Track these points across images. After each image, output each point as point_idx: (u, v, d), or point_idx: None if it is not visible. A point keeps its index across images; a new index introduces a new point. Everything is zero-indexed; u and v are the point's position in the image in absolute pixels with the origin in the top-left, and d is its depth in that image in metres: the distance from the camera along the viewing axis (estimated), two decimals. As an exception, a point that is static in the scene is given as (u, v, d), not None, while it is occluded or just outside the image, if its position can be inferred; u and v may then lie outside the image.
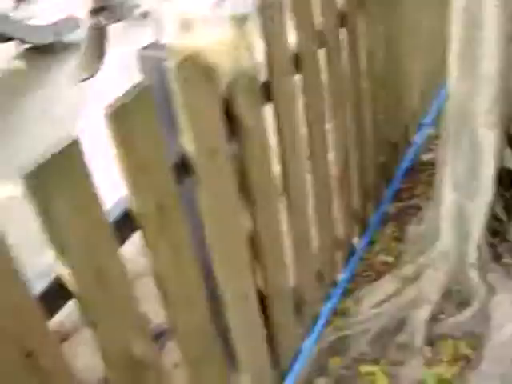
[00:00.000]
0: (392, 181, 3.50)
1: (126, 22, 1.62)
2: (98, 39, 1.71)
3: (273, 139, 2.01)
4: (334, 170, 2.60)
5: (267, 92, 1.94)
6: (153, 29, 1.61)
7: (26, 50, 7.27)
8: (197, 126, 1.55)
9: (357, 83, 2.73)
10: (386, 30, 3.03)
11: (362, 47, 2.73)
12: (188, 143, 1.55)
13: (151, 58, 1.54)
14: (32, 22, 7.11)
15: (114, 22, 1.59)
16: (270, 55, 1.91)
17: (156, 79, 1.55)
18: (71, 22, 6.79)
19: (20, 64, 7.00)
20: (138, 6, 1.55)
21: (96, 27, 1.68)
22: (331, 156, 2.57)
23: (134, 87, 1.33)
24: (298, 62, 2.13)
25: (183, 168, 1.57)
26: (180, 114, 1.51)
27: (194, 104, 1.53)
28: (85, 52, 1.76)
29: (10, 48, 7.27)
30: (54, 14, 7.21)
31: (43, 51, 7.01)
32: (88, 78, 1.82)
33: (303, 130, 2.24)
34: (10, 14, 7.30)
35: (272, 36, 1.89)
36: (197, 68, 1.49)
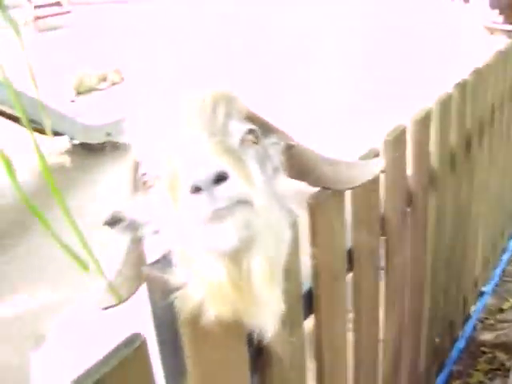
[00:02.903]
0: (444, 365, 3.03)
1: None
2: (138, 255, 1.33)
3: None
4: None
5: (309, 303, 1.56)
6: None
7: (75, 146, 7.17)
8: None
9: (419, 265, 2.34)
10: (455, 201, 2.68)
11: (429, 225, 2.37)
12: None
13: (159, 279, 1.17)
14: (84, 120, 7.05)
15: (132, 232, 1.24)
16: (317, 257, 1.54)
17: (162, 308, 1.19)
18: (123, 124, 6.68)
19: (65, 160, 6.88)
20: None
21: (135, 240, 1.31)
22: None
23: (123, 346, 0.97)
24: (351, 258, 1.76)
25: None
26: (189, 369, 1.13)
27: (208, 359, 1.15)
28: (120, 271, 1.35)
29: (61, 142, 7.18)
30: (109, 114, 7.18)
31: (92, 149, 6.92)
32: (116, 305, 1.36)
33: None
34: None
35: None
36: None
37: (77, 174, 6.26)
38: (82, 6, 17.23)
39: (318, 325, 1.62)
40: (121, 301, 1.36)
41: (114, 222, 1.25)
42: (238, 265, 1.04)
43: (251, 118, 1.23)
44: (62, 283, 4.38)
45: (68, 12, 16.16)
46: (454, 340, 3.23)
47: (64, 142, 7.19)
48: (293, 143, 1.31)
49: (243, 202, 1.00)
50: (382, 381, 2.19)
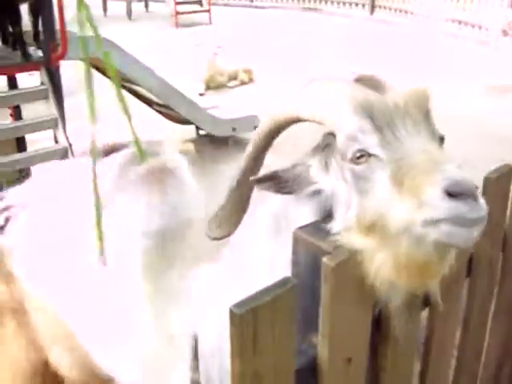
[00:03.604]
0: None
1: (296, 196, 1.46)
2: (245, 194, 1.57)
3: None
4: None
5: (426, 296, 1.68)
6: (316, 209, 1.43)
7: (201, 136, 7.53)
8: (338, 332, 1.33)
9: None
10: None
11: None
12: (322, 347, 1.33)
13: (306, 241, 1.36)
14: (213, 112, 7.38)
15: (282, 193, 1.43)
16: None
17: (306, 265, 1.37)
18: (250, 121, 6.95)
19: (190, 148, 7.25)
20: (314, 182, 1.37)
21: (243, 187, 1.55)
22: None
23: (278, 284, 1.15)
24: (471, 265, 1.86)
25: (309, 373, 1.34)
26: (322, 315, 1.30)
27: (341, 310, 1.31)
28: (224, 205, 1.61)
29: (188, 131, 7.58)
30: (235, 110, 7.49)
31: (216, 142, 7.24)
32: (222, 237, 1.66)
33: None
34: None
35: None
36: (352, 275, 1.29)
37: (202, 162, 6.57)
38: (221, 7, 17.88)
39: (431, 318, 1.74)
40: (228, 233, 1.63)
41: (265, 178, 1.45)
42: (445, 253, 1.29)
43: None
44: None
45: (207, 11, 16.83)
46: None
47: (191, 131, 7.56)
48: None
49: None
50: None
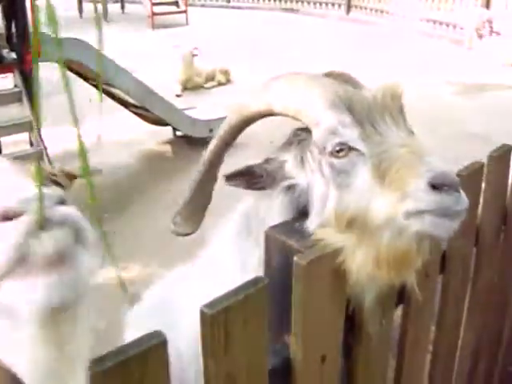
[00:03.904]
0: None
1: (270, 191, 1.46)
2: (208, 189, 1.57)
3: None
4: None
5: (400, 294, 1.69)
6: (289, 206, 1.43)
7: (178, 137, 7.51)
8: (311, 331, 1.33)
9: (506, 284, 2.41)
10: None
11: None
12: (296, 347, 1.33)
13: (278, 240, 1.36)
14: (190, 113, 7.36)
15: (254, 188, 1.43)
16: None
17: (278, 264, 1.37)
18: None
19: (167, 150, 7.24)
20: (289, 177, 1.38)
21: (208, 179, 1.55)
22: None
23: (249, 284, 1.15)
24: (444, 261, 1.87)
25: (283, 373, 1.34)
26: (295, 314, 1.30)
27: (314, 309, 1.31)
28: (188, 201, 1.60)
29: (166, 132, 7.55)
30: (212, 111, 7.46)
31: (193, 143, 7.21)
32: (189, 234, 1.65)
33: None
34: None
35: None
36: (324, 273, 1.29)
37: (179, 163, 6.55)
38: (198, 8, 17.81)
39: (405, 315, 1.75)
40: (192, 231, 1.62)
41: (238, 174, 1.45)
42: (424, 245, 1.32)
43: None
44: (155, 258, 4.64)
45: (184, 11, 16.76)
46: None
47: (168, 132, 7.54)
48: None
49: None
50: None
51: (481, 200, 1.98)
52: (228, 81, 10.52)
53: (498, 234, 2.18)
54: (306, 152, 1.43)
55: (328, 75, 1.51)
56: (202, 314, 1.08)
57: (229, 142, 1.57)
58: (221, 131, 1.56)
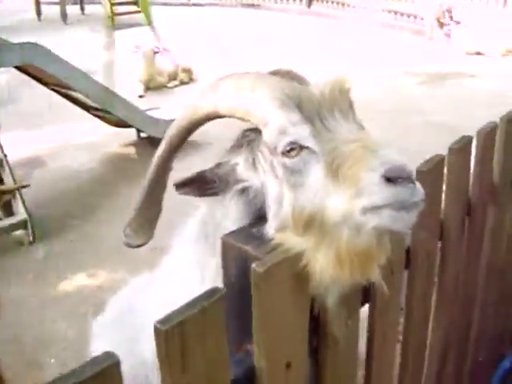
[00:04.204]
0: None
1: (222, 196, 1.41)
2: (157, 197, 1.52)
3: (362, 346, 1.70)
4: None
5: (366, 292, 1.66)
6: (245, 210, 1.39)
7: (141, 138, 7.42)
8: (274, 339, 1.29)
9: (472, 276, 2.40)
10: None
11: (486, 238, 2.42)
12: (259, 355, 1.29)
13: (235, 246, 1.31)
14: (153, 114, 7.27)
15: (207, 195, 1.38)
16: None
17: (237, 271, 1.33)
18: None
19: (131, 152, 7.14)
20: (242, 180, 1.33)
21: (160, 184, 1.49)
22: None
23: (205, 295, 1.10)
24: (409, 256, 1.85)
25: (247, 383, 1.30)
26: (255, 322, 1.25)
27: (275, 316, 1.27)
28: (138, 209, 1.55)
29: (129, 134, 7.45)
30: (176, 111, 7.38)
31: (157, 144, 7.09)
32: (140, 245, 1.59)
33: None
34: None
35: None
36: (284, 279, 1.25)
37: (144, 165, 6.44)
38: (159, 7, 17.62)
39: (372, 313, 1.72)
40: (143, 242, 1.56)
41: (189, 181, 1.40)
42: (383, 240, 1.27)
43: None
44: (122, 264, 4.57)
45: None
46: (500, 359, 3.24)
47: (131, 134, 7.44)
48: None
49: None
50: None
51: (443, 194, 1.96)
52: (191, 79, 10.44)
53: (462, 227, 2.17)
54: (257, 153, 1.39)
55: (275, 73, 1.47)
56: (156, 329, 1.03)
57: (177, 146, 1.51)
58: (167, 136, 1.51)
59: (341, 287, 1.35)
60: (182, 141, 1.50)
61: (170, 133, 1.50)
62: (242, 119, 1.36)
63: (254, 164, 1.39)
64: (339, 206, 1.21)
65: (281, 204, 1.31)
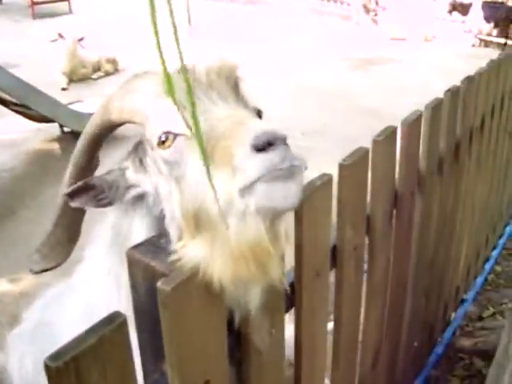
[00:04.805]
0: (422, 370, 3.05)
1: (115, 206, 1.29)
2: (74, 218, 1.38)
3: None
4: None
5: (289, 298, 1.57)
6: (148, 218, 1.28)
7: (65, 133, 7.14)
8: (189, 358, 1.18)
9: (402, 267, 2.36)
10: (441, 206, 2.70)
11: (414, 228, 2.39)
12: (173, 377, 1.17)
13: (140, 261, 1.18)
14: (76, 107, 7.01)
15: (101, 206, 1.26)
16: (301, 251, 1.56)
17: (146, 288, 1.20)
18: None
19: (55, 147, 6.86)
20: (132, 185, 1.21)
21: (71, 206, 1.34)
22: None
23: (104, 322, 0.98)
24: (335, 255, 1.78)
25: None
26: (166, 343, 1.14)
27: (188, 334, 1.16)
28: (51, 232, 1.41)
29: (52, 129, 7.15)
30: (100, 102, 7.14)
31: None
32: (49, 269, 1.44)
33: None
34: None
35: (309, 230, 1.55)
36: (195, 295, 1.13)
37: (68, 161, 6.21)
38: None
39: (298, 318, 1.64)
40: (54, 265, 1.42)
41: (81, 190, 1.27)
42: (276, 227, 1.10)
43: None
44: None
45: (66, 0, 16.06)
46: (433, 345, 3.26)
47: (55, 129, 7.15)
48: None
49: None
50: (358, 382, 2.21)
51: (369, 188, 1.89)
52: (116, 70, 10.15)
53: (389, 220, 2.11)
54: (143, 152, 1.28)
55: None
56: (47, 367, 0.90)
57: (90, 157, 1.38)
58: (77, 150, 1.38)
59: (257, 293, 1.23)
60: (91, 155, 1.37)
61: (79, 147, 1.37)
62: (131, 121, 1.25)
63: (142, 165, 1.28)
64: (219, 192, 1.00)
65: (172, 204, 1.20)
